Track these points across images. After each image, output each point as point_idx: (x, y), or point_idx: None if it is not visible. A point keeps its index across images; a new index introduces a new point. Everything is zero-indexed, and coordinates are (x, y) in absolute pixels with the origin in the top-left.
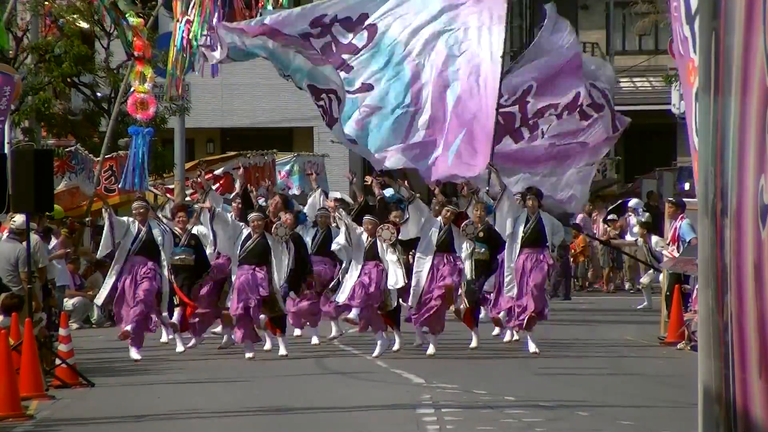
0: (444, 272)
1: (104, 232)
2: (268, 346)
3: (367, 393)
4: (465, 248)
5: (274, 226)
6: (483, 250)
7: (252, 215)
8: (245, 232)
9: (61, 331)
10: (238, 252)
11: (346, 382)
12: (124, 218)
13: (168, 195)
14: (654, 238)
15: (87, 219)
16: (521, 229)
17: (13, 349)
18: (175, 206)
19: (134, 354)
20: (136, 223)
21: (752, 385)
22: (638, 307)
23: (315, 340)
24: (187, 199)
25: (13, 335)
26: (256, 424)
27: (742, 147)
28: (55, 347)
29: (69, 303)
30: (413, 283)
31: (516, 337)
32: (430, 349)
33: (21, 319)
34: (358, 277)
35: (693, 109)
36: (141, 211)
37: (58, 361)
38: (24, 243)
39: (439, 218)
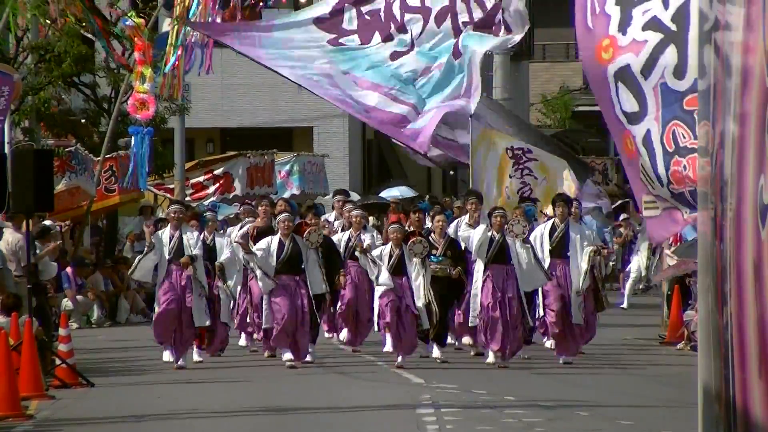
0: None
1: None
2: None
3: (367, 393)
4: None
5: (307, 231)
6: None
7: (281, 215)
8: (274, 240)
9: (61, 331)
10: (274, 263)
11: (346, 382)
12: (158, 232)
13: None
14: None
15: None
16: (547, 239)
17: (13, 349)
18: (190, 215)
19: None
20: (167, 230)
21: (752, 385)
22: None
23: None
24: (187, 199)
25: (13, 335)
26: (256, 424)
27: (742, 147)
28: (55, 347)
29: (69, 303)
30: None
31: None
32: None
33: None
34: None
35: (613, 86)
36: (179, 216)
37: (58, 361)
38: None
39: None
